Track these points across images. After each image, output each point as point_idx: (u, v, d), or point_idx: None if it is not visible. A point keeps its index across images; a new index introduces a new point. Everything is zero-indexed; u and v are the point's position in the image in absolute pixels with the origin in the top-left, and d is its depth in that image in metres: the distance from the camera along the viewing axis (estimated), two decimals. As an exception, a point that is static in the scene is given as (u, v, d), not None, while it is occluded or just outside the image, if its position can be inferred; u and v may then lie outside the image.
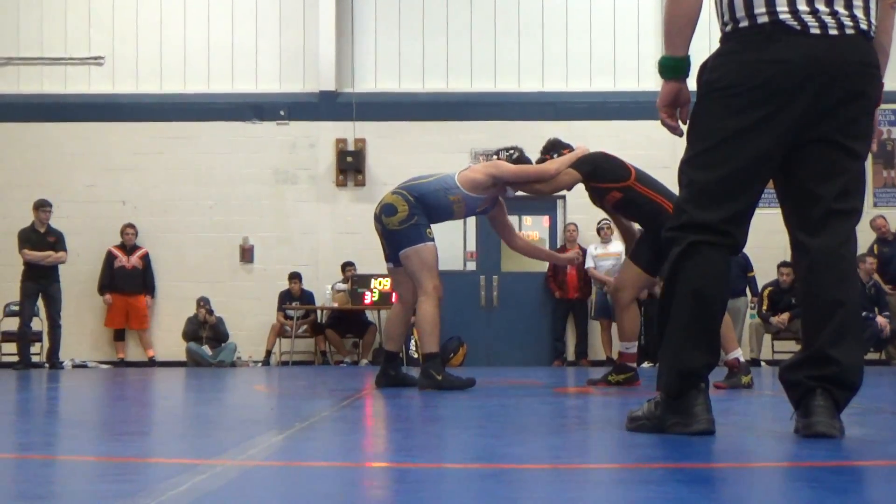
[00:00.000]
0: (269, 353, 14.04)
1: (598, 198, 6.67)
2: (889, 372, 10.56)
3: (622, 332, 6.77)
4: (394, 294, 7.02)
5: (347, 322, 14.09)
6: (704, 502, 1.98)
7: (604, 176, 6.50)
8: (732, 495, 2.18)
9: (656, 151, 13.83)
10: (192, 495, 2.05)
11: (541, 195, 6.70)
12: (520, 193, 7.04)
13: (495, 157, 6.72)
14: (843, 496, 2.06)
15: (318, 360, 14.26)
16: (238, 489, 2.21)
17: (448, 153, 14.46)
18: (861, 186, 3.19)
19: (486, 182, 6.47)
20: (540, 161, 6.64)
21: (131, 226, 14.18)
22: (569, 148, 6.67)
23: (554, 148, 6.66)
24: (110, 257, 14.10)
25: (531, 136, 14.51)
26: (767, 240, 12.62)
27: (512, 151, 6.70)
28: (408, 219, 6.36)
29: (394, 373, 6.65)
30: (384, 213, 6.42)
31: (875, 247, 13.57)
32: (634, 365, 6.88)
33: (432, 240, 6.46)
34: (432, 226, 6.51)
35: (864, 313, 12.79)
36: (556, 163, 6.51)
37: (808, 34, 3.03)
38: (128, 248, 14.14)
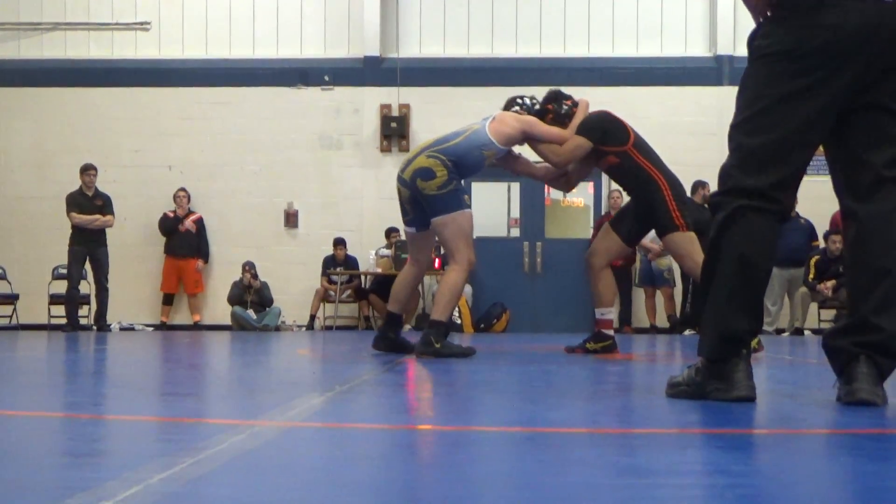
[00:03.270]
0: (312, 317, 14.14)
1: (595, 159, 6.55)
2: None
3: (597, 298, 6.65)
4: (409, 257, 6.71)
5: (391, 287, 14.10)
6: (742, 468, 1.97)
7: (608, 139, 6.39)
8: (770, 461, 2.16)
9: (703, 118, 13.70)
10: (229, 454, 2.07)
11: (554, 165, 6.47)
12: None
13: (517, 108, 6.49)
14: (884, 463, 2.04)
15: (362, 324, 14.33)
16: (275, 449, 2.24)
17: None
18: (914, 154, 3.13)
19: (518, 137, 6.29)
20: (541, 112, 6.48)
21: (183, 189, 14.29)
22: (570, 99, 6.56)
23: (556, 99, 6.50)
24: (166, 220, 14.24)
25: (576, 101, 14.47)
26: (816, 207, 12.51)
27: (534, 101, 6.52)
28: (447, 184, 6.09)
29: (393, 336, 6.44)
30: (420, 176, 6.10)
31: None
32: (612, 332, 6.72)
33: (469, 207, 6.29)
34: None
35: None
36: (571, 128, 6.37)
37: (862, 0, 2.98)
38: (181, 211, 14.26)
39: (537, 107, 6.47)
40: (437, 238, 6.50)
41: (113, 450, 2.30)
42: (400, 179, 6.27)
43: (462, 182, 6.24)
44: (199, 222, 14.36)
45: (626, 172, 6.45)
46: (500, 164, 6.67)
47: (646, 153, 6.43)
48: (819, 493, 1.74)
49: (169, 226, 14.24)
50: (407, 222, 6.44)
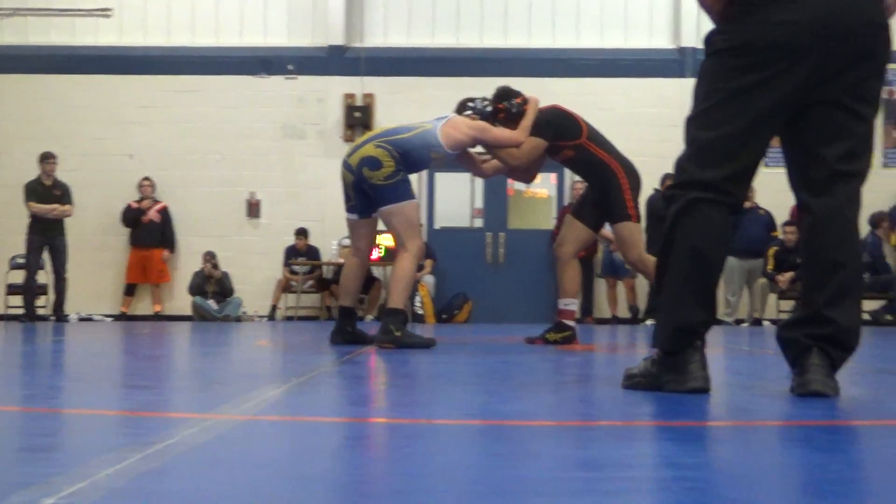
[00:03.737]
0: (274, 308, 14.09)
1: (551, 153, 6.63)
2: (891, 332, 10.56)
3: (562, 288, 6.76)
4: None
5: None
6: (692, 460, 1.98)
7: (562, 135, 6.47)
8: (721, 453, 2.18)
9: (666, 109, 13.75)
10: (180, 448, 2.05)
11: (510, 166, 6.54)
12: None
13: (470, 112, 6.50)
14: (832, 455, 2.06)
15: (324, 315, 14.30)
16: (228, 442, 2.22)
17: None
18: (867, 149, 3.16)
19: (468, 144, 6.34)
20: (493, 112, 6.51)
21: (147, 178, 14.18)
22: (520, 96, 6.56)
23: (507, 96, 6.53)
24: (129, 211, 14.11)
25: (540, 92, 14.39)
26: (776, 198, 12.61)
27: (486, 103, 6.53)
28: (394, 174, 6.11)
29: (350, 329, 6.44)
30: (367, 165, 6.10)
31: None
32: (573, 323, 6.79)
33: (415, 197, 6.31)
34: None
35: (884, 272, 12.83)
36: (523, 128, 6.41)
37: (817, -5, 3.00)
38: (145, 201, 14.14)
39: (489, 108, 6.49)
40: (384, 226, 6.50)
41: (62, 444, 2.28)
42: (346, 165, 6.27)
43: (407, 174, 6.25)
44: (164, 212, 14.25)
45: (582, 164, 6.55)
46: (460, 163, 6.70)
47: (600, 144, 6.52)
48: (766, 485, 1.75)
49: (132, 217, 14.12)
50: (349, 209, 6.43)
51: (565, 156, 6.55)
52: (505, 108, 6.47)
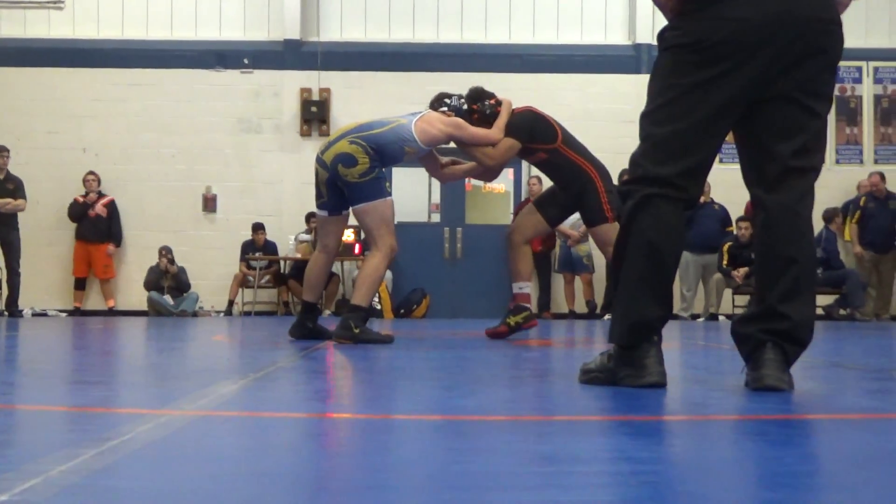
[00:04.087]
0: (231, 303, 14.02)
1: (524, 155, 6.75)
2: (846, 326, 10.69)
3: (516, 272, 6.84)
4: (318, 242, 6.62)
5: (310, 273, 14.05)
6: (648, 455, 1.99)
7: (537, 137, 6.54)
8: (677, 448, 2.19)
9: (622, 105, 13.83)
10: (135, 444, 2.04)
11: (485, 166, 6.58)
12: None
13: (445, 108, 6.52)
14: (786, 448, 2.08)
15: (281, 310, 14.24)
16: (184, 438, 2.21)
17: (414, 104, 14.28)
18: (821, 145, 3.19)
19: (443, 140, 6.32)
20: (467, 112, 6.51)
21: (92, 173, 14.03)
22: (493, 97, 6.59)
23: (480, 98, 6.56)
24: (76, 205, 13.96)
25: (497, 87, 14.41)
26: (730, 194, 12.72)
27: (462, 101, 6.55)
28: (369, 171, 6.04)
29: (311, 325, 6.39)
30: (341, 162, 6.03)
31: (862, 200, 13.66)
32: (529, 305, 6.92)
33: (391, 194, 6.25)
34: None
35: (837, 266, 13.00)
36: (498, 128, 6.45)
37: (770, -10, 3.02)
38: (91, 195, 13.98)
39: (465, 106, 6.50)
40: (358, 225, 6.47)
41: (14, 440, 2.25)
42: (319, 161, 6.19)
43: (383, 169, 6.20)
44: (111, 206, 14.10)
45: (556, 167, 6.63)
46: (424, 166, 6.71)
47: (574, 147, 6.59)
48: (721, 479, 1.77)
49: (78, 212, 13.95)
50: (320, 205, 6.35)
51: (539, 158, 6.63)
52: (479, 109, 6.51)
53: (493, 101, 6.55)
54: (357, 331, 5.95)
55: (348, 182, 6.07)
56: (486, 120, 6.50)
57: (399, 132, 6.17)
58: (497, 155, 6.47)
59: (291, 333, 6.41)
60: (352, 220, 6.58)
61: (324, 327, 6.48)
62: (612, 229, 6.45)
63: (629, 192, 3.17)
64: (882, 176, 13.79)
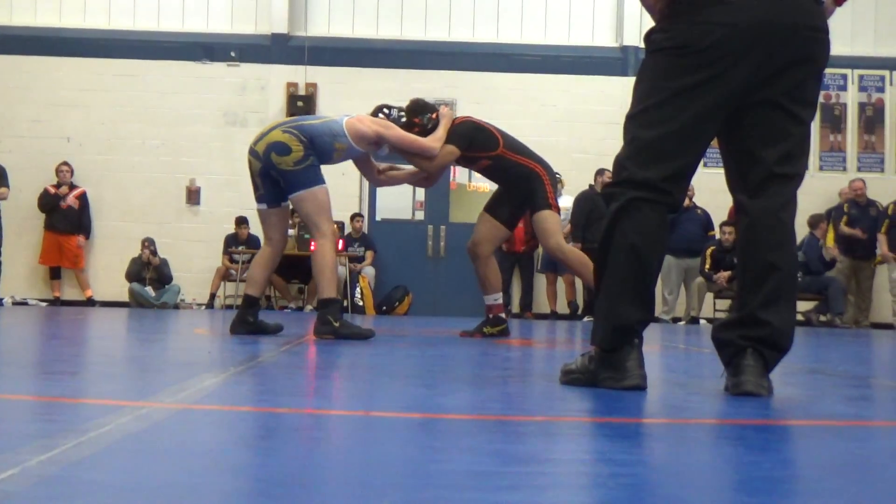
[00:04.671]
0: (213, 296, 13.98)
1: (466, 163, 6.86)
2: (826, 333, 10.74)
3: (487, 285, 6.97)
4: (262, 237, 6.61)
5: (293, 267, 14.03)
6: (627, 457, 2.00)
7: (477, 147, 6.63)
8: (656, 451, 2.20)
9: (608, 107, 13.85)
10: (114, 436, 2.03)
11: (424, 171, 6.66)
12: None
13: (381, 114, 6.54)
14: (764, 454, 2.09)
15: (263, 304, 14.18)
16: (162, 431, 2.20)
17: (400, 101, 14.28)
18: (805, 151, 3.20)
19: (371, 138, 6.26)
20: (408, 125, 6.53)
21: (66, 164, 13.95)
22: (435, 112, 6.65)
23: (422, 111, 6.63)
24: (47, 195, 13.88)
25: (483, 87, 14.56)
26: (714, 198, 12.78)
27: (401, 114, 6.58)
28: (303, 159, 6.00)
29: (252, 319, 6.29)
30: (274, 151, 5.98)
31: (845, 206, 13.75)
32: (504, 315, 7.04)
33: (324, 181, 6.19)
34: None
35: (821, 272, 13.05)
36: (435, 139, 6.51)
37: (758, -3, 3.03)
38: (63, 186, 13.90)
39: (403, 119, 6.54)
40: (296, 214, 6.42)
41: (-8, 430, 2.24)
42: (252, 152, 6.16)
43: (318, 159, 6.15)
44: (83, 198, 14.02)
45: (502, 171, 6.72)
46: (359, 170, 6.75)
47: (519, 150, 6.70)
48: (699, 483, 1.78)
49: (48, 202, 13.87)
50: (258, 198, 6.31)
51: (482, 165, 6.76)
52: (420, 123, 6.59)
53: (434, 116, 6.64)
54: (337, 324, 5.93)
55: (282, 171, 6.04)
56: (427, 134, 6.58)
57: (331, 126, 6.16)
58: (436, 161, 6.56)
59: (233, 329, 6.27)
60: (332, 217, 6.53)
61: (266, 322, 6.35)
62: (553, 217, 6.63)
63: (613, 195, 3.17)
64: (863, 182, 13.88)
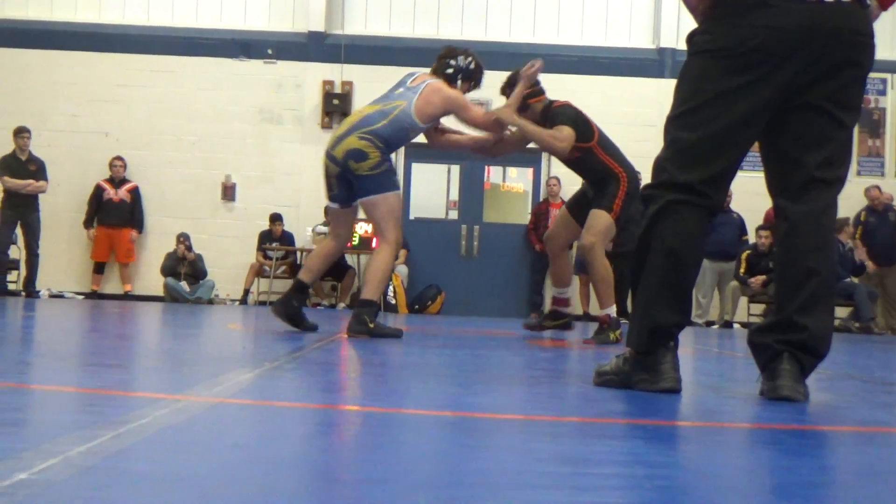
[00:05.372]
0: (246, 291, 14.05)
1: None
2: (862, 339, 10.65)
3: (557, 278, 7.05)
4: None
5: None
6: (662, 459, 1.99)
7: (577, 136, 6.50)
8: (690, 453, 2.19)
9: (643, 109, 13.80)
10: (152, 428, 2.05)
11: (553, 151, 6.60)
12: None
13: (450, 71, 6.42)
14: (799, 459, 2.08)
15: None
16: (199, 424, 2.22)
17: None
18: (847, 156, 3.18)
19: (440, 116, 6.33)
20: (468, 76, 6.46)
21: (120, 158, 14.08)
22: (539, 94, 6.63)
23: (513, 86, 6.54)
24: (98, 190, 14.01)
25: (519, 87, 14.52)
26: (750, 202, 12.69)
27: (469, 61, 6.45)
28: (379, 164, 6.08)
29: (296, 304, 6.30)
30: (352, 157, 6.06)
31: (863, 214, 13.64)
32: (567, 308, 7.11)
33: (399, 188, 6.28)
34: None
35: (844, 277, 12.91)
36: (506, 107, 6.40)
37: (803, 0, 3.01)
38: (116, 181, 14.04)
39: (472, 66, 6.42)
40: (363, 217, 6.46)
41: (33, 420, 2.27)
42: (330, 157, 6.21)
43: (393, 162, 6.26)
44: (135, 192, 14.15)
45: (586, 167, 6.58)
46: (428, 140, 6.65)
47: (608, 149, 6.56)
48: (734, 486, 1.77)
49: (99, 197, 13.99)
50: (331, 198, 6.37)
51: (572, 155, 6.55)
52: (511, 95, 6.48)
53: (533, 95, 6.56)
54: (372, 325, 5.96)
55: (359, 175, 6.09)
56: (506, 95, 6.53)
57: (401, 121, 6.17)
58: (567, 141, 6.39)
59: (275, 310, 6.31)
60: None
61: (305, 318, 6.34)
62: (607, 222, 6.49)
63: (652, 197, 3.15)
64: (879, 189, 13.74)
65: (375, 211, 6.17)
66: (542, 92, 6.68)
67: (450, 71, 6.42)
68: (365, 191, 6.14)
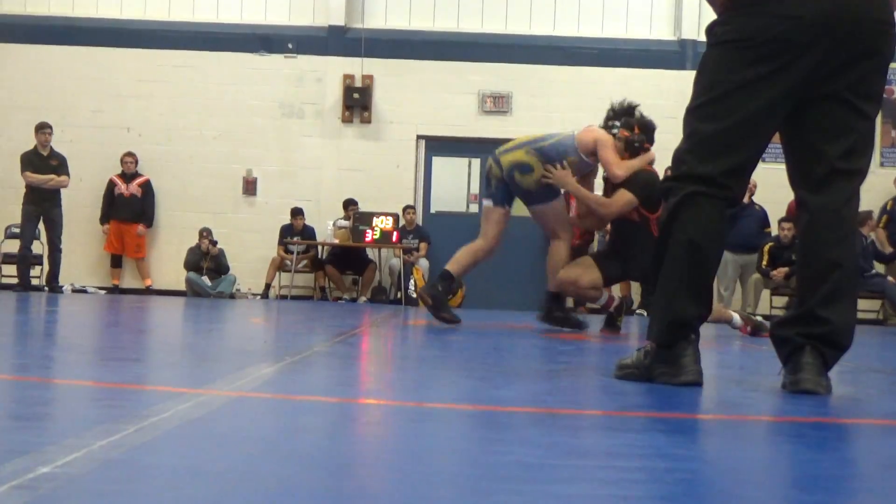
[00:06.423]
0: (268, 286, 14.09)
1: (611, 191, 6.70)
2: (884, 332, 10.59)
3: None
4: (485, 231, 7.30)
5: (347, 259, 14.12)
6: (683, 452, 1.99)
7: (647, 204, 6.50)
8: (711, 446, 2.19)
9: (664, 101, 13.72)
10: (174, 422, 2.06)
11: (600, 215, 6.74)
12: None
13: (617, 124, 6.76)
14: (822, 452, 2.07)
15: (317, 295, 14.30)
16: (221, 418, 2.23)
17: (455, 94, 14.39)
18: (869, 147, 3.15)
19: (591, 147, 6.70)
20: (625, 125, 6.70)
21: (131, 154, 14.13)
22: (646, 143, 6.66)
23: (645, 130, 6.69)
24: (111, 185, 14.08)
25: (539, 79, 14.51)
26: (773, 194, 12.62)
27: (640, 138, 6.67)
28: (542, 178, 6.71)
29: (560, 313, 6.99)
30: (518, 170, 6.72)
31: (889, 203, 13.57)
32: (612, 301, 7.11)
33: (560, 194, 6.86)
34: None
35: (867, 271, 12.83)
36: (626, 166, 6.55)
37: (823, -11, 2.99)
38: (127, 176, 14.09)
39: (637, 144, 6.60)
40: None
41: (56, 414, 2.28)
42: (496, 161, 6.90)
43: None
44: (146, 186, 14.18)
45: (632, 230, 6.62)
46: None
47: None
48: (756, 479, 1.77)
49: (111, 191, 14.05)
50: (487, 195, 7.08)
51: (629, 215, 6.60)
52: (629, 138, 6.63)
53: (647, 145, 6.66)
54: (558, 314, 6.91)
55: (524, 188, 6.81)
56: (628, 149, 6.62)
57: (562, 143, 6.77)
58: (614, 206, 6.55)
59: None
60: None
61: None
62: (629, 200, 6.53)
63: (672, 189, 3.14)
64: None
65: (546, 217, 6.95)
66: (631, 141, 6.66)
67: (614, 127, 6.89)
68: (533, 200, 6.90)
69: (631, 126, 6.69)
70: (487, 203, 7.06)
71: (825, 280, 3.02)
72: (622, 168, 6.57)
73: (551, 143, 6.81)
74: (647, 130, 6.73)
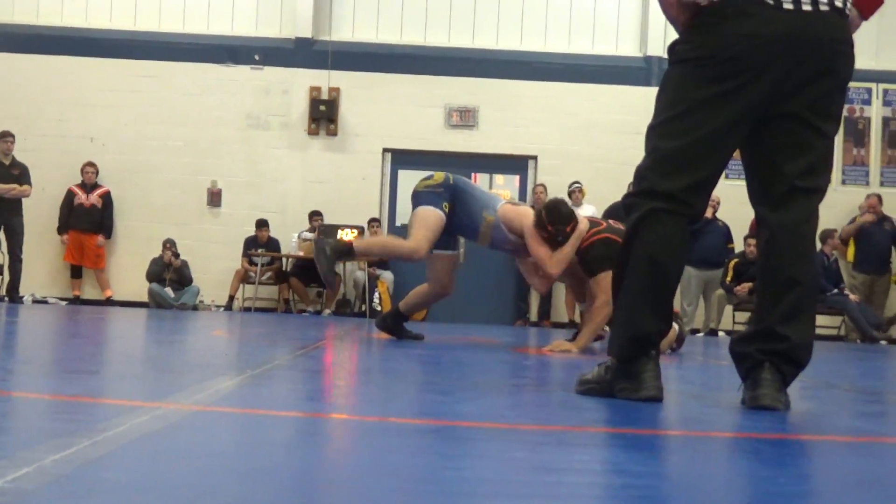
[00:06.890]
0: (231, 298, 14.02)
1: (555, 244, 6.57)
2: (844, 348, 10.68)
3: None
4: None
5: (312, 271, 14.02)
6: (641, 468, 1.99)
7: (599, 270, 6.35)
8: (670, 462, 2.19)
9: (631, 117, 13.81)
10: (129, 436, 2.04)
11: (544, 272, 6.64)
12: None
13: (543, 212, 6.48)
14: (780, 468, 2.08)
15: (281, 307, 14.24)
16: (178, 433, 2.20)
17: (422, 107, 14.40)
18: (827, 165, 3.19)
19: (516, 230, 6.57)
20: (538, 223, 6.46)
21: (91, 164, 14.02)
22: (571, 223, 6.41)
23: (559, 220, 6.40)
24: (70, 195, 13.97)
25: (506, 94, 14.56)
26: (736, 210, 12.72)
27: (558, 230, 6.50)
28: (435, 187, 6.74)
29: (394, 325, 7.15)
30: (426, 180, 6.85)
31: (859, 217, 13.77)
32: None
33: (443, 210, 6.68)
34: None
35: (828, 290, 12.94)
36: (559, 259, 6.41)
37: (782, 9, 3.01)
38: (87, 186, 13.98)
39: (559, 238, 6.43)
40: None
41: (9, 427, 2.25)
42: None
43: (450, 198, 6.77)
44: (106, 197, 14.07)
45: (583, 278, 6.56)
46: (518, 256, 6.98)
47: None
48: (713, 496, 1.77)
49: (70, 203, 13.93)
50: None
51: (579, 275, 6.58)
52: (552, 232, 6.41)
53: (568, 229, 6.40)
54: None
55: (415, 191, 6.93)
56: (553, 243, 6.43)
57: (489, 200, 6.80)
58: (557, 270, 6.46)
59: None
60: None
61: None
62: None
63: (633, 205, 3.16)
64: (879, 198, 13.85)
65: (415, 218, 6.87)
66: (554, 236, 6.50)
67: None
68: (414, 203, 6.92)
69: (543, 225, 6.43)
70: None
71: (784, 297, 3.05)
72: (555, 266, 6.44)
73: (474, 186, 6.90)
74: (559, 219, 6.43)
